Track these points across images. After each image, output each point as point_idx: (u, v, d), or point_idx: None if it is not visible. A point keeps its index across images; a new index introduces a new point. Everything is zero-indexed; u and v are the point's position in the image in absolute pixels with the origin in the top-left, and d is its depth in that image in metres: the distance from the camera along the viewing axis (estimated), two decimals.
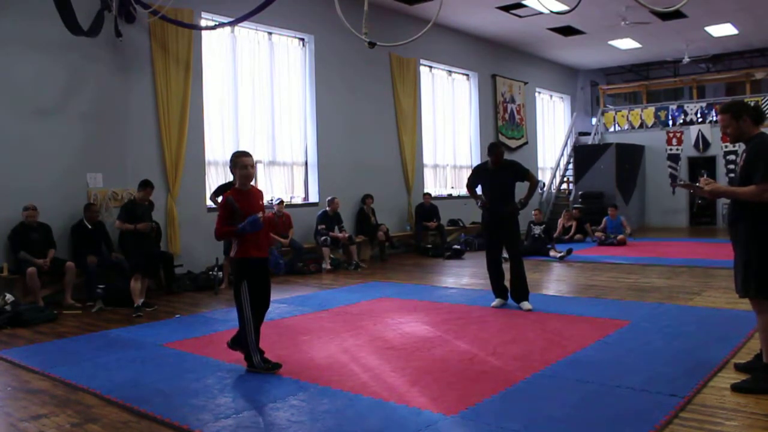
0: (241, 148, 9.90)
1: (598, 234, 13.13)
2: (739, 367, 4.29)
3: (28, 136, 7.62)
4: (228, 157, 4.88)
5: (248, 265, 4.61)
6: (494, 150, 6.72)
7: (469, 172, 7.69)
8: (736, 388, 3.91)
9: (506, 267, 6.86)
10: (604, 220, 13.31)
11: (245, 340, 4.59)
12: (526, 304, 6.62)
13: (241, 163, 4.61)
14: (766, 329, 3.93)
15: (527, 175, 6.79)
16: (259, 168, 10.45)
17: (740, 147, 4.28)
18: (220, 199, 6.59)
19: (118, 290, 7.44)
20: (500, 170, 6.75)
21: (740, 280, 4.00)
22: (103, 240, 8.03)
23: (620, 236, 12.71)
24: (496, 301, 6.85)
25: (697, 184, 4.23)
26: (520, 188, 6.74)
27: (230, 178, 4.71)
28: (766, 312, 3.91)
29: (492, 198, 6.76)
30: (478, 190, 6.97)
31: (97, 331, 6.19)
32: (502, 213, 6.65)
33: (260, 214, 4.55)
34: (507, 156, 7.07)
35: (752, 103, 4.26)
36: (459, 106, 15.08)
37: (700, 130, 16.53)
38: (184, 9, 8.93)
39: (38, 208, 7.43)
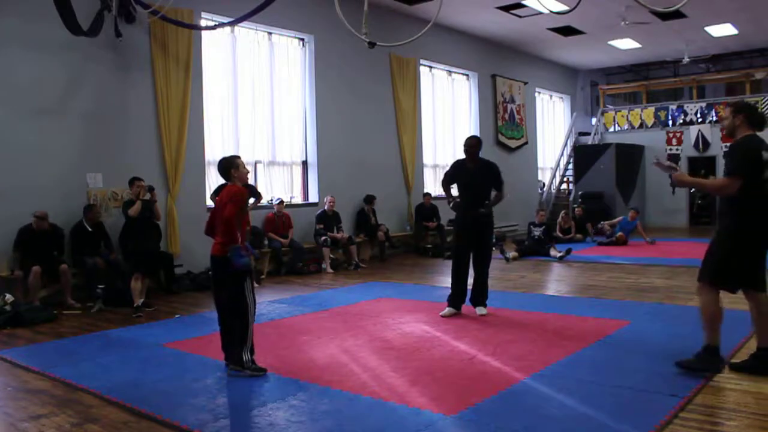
0: (241, 148, 10.02)
1: (606, 225, 13.11)
2: (733, 367, 4.29)
3: (28, 136, 7.60)
4: None
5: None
6: (467, 143, 6.41)
7: None
8: (679, 364, 4.22)
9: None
10: (620, 218, 13.31)
11: (242, 339, 4.50)
12: (482, 309, 6.40)
13: (242, 163, 4.76)
14: (705, 311, 4.20)
15: (501, 187, 6.47)
16: (259, 168, 10.45)
17: None
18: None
19: (118, 290, 7.44)
20: (480, 170, 6.43)
21: (703, 265, 4.25)
22: (103, 241, 8.02)
23: (619, 234, 12.74)
24: (447, 310, 6.43)
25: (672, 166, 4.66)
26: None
27: None
28: (706, 296, 4.17)
29: (468, 199, 6.42)
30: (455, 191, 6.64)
31: (97, 331, 6.19)
32: (479, 216, 6.29)
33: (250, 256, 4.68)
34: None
35: (756, 108, 4.39)
36: (459, 106, 15.05)
37: (700, 130, 16.52)
38: (184, 9, 8.92)
39: (40, 209, 7.40)
